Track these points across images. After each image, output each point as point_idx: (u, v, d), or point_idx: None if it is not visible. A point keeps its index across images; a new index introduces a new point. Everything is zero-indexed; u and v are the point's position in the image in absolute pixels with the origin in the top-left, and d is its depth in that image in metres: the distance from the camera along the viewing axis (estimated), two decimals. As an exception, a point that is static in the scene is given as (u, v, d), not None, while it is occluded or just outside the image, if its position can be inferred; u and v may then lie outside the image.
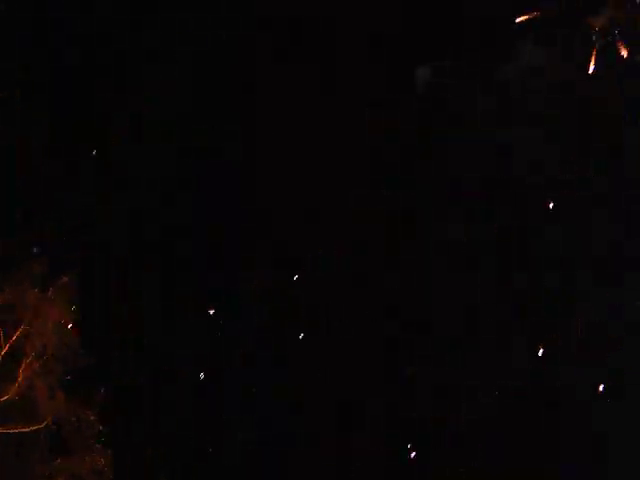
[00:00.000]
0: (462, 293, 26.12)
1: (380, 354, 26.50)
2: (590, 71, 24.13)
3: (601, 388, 25.09)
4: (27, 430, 22.02)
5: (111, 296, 25.68)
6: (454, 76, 25.89)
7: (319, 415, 25.93)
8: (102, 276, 25.74)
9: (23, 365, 22.23)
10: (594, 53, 23.84)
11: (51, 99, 26.69)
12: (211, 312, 25.87)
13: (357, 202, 26.58)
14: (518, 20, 24.41)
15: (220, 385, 25.68)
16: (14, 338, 22.35)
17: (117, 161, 27.33)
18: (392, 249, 26.98)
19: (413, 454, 25.71)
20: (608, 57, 23.89)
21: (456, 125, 25.93)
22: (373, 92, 26.59)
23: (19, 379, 22.08)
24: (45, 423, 22.18)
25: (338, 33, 26.55)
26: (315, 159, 26.59)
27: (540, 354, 25.50)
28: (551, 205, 25.72)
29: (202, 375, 25.20)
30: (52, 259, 23.51)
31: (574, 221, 26.11)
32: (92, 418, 22.50)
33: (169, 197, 26.76)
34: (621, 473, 24.88)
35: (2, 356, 22.09)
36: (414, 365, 26.00)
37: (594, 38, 23.31)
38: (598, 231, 26.07)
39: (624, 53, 23.78)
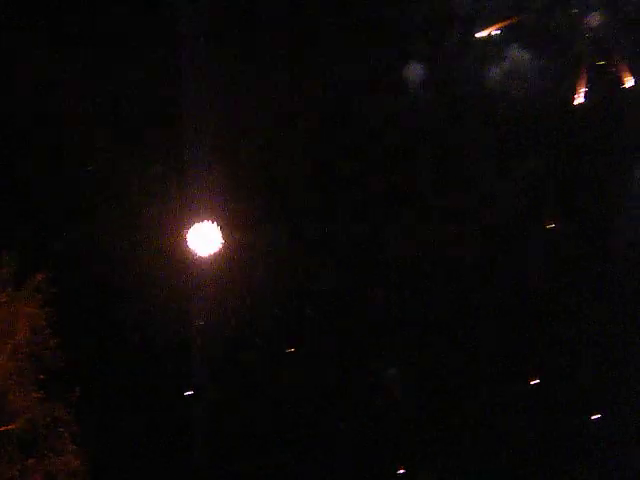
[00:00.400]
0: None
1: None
2: (576, 102, 23.64)
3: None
4: (0, 430, 21.73)
5: (87, 294, 25.57)
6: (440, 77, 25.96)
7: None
8: (77, 274, 25.60)
9: (-4, 364, 21.92)
10: (583, 77, 23.27)
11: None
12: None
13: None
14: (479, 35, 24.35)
15: (199, 384, 25.63)
16: (-13, 337, 22.02)
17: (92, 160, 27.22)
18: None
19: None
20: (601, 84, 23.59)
21: (440, 127, 26.02)
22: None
23: (-7, 379, 21.76)
24: (19, 423, 21.86)
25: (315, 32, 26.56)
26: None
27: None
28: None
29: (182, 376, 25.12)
30: (25, 257, 23.24)
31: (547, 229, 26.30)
32: (67, 418, 22.21)
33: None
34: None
35: (-25, 355, 21.80)
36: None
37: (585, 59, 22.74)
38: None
39: (628, 81, 22.75)
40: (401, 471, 25.69)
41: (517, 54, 24.44)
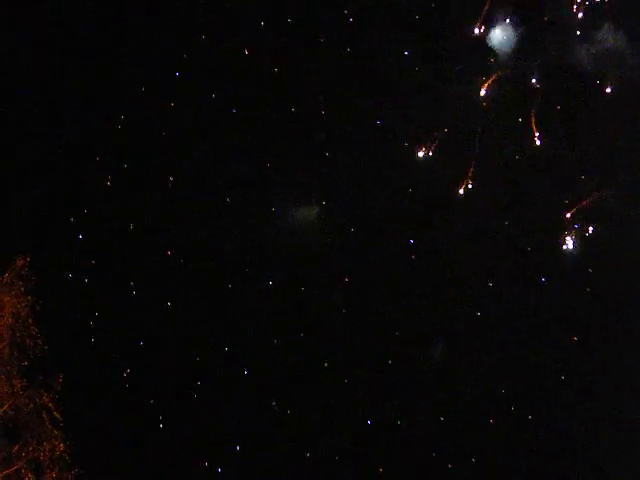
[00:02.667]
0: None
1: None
2: None
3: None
4: (-16, 417, 21.81)
5: (69, 282, 25.55)
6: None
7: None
8: (58, 261, 25.57)
9: (-21, 353, 21.94)
10: None
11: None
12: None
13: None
14: None
15: (183, 373, 25.66)
16: (-31, 325, 22.01)
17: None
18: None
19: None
20: None
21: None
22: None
23: (-25, 367, 21.80)
24: (2, 410, 21.95)
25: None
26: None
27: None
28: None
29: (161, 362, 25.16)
30: (4, 242, 23.23)
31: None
32: (50, 405, 22.30)
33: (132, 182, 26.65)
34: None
35: (-43, 344, 21.81)
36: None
37: None
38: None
39: None
40: None
41: None
